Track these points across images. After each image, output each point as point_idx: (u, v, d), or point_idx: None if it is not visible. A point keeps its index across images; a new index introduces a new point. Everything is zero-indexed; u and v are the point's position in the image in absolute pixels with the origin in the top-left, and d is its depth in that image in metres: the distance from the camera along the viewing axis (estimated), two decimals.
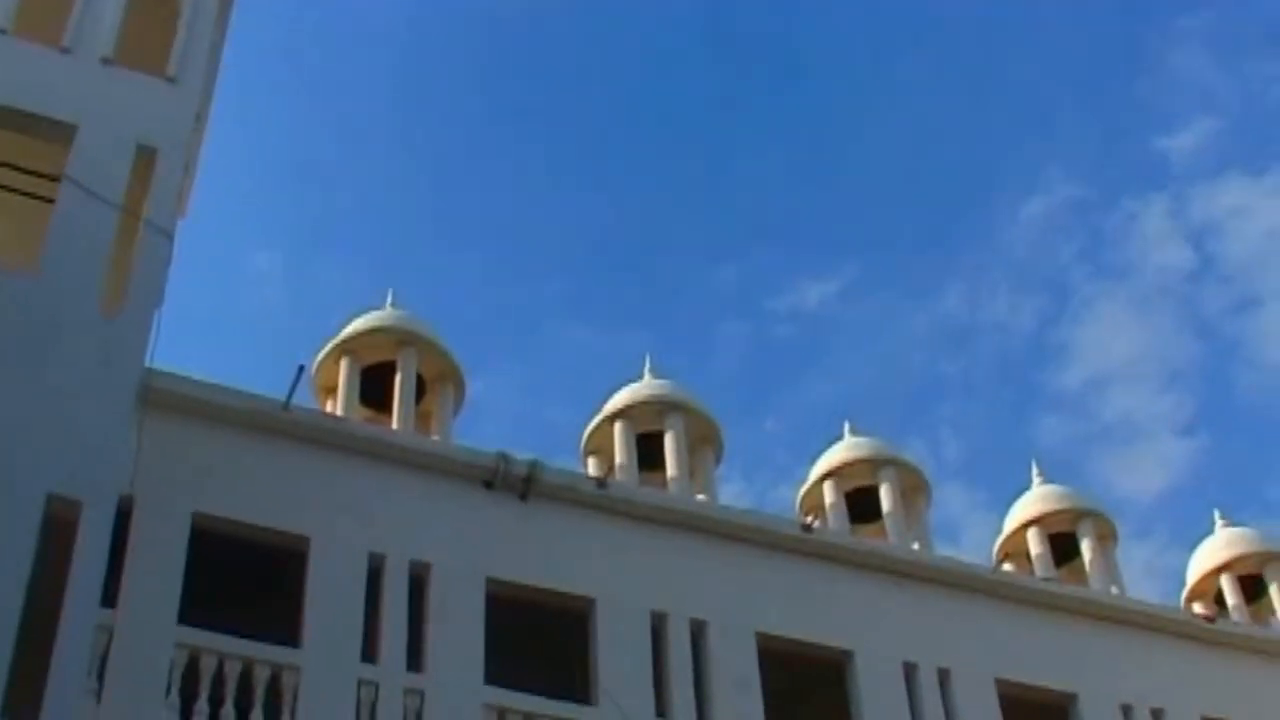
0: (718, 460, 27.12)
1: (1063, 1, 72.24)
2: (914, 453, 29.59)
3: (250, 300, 62.21)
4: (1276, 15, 73.80)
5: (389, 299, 26.40)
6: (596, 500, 23.54)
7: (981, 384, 70.87)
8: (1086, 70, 72.50)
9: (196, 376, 21.61)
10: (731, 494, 36.48)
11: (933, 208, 72.19)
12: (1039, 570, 27.45)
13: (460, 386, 25.77)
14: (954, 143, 71.64)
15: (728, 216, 70.08)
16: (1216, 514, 30.03)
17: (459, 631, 21.23)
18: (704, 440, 26.98)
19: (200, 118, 23.63)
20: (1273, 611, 28.35)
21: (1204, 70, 75.03)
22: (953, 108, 72.04)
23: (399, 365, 25.19)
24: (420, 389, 25.44)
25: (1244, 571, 28.88)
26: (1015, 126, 73.31)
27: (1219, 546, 29.31)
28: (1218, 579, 28.80)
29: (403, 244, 62.45)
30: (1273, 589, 28.55)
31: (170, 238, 19.99)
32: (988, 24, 72.85)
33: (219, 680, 19.48)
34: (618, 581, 22.80)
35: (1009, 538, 28.51)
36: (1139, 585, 29.75)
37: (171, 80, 22.01)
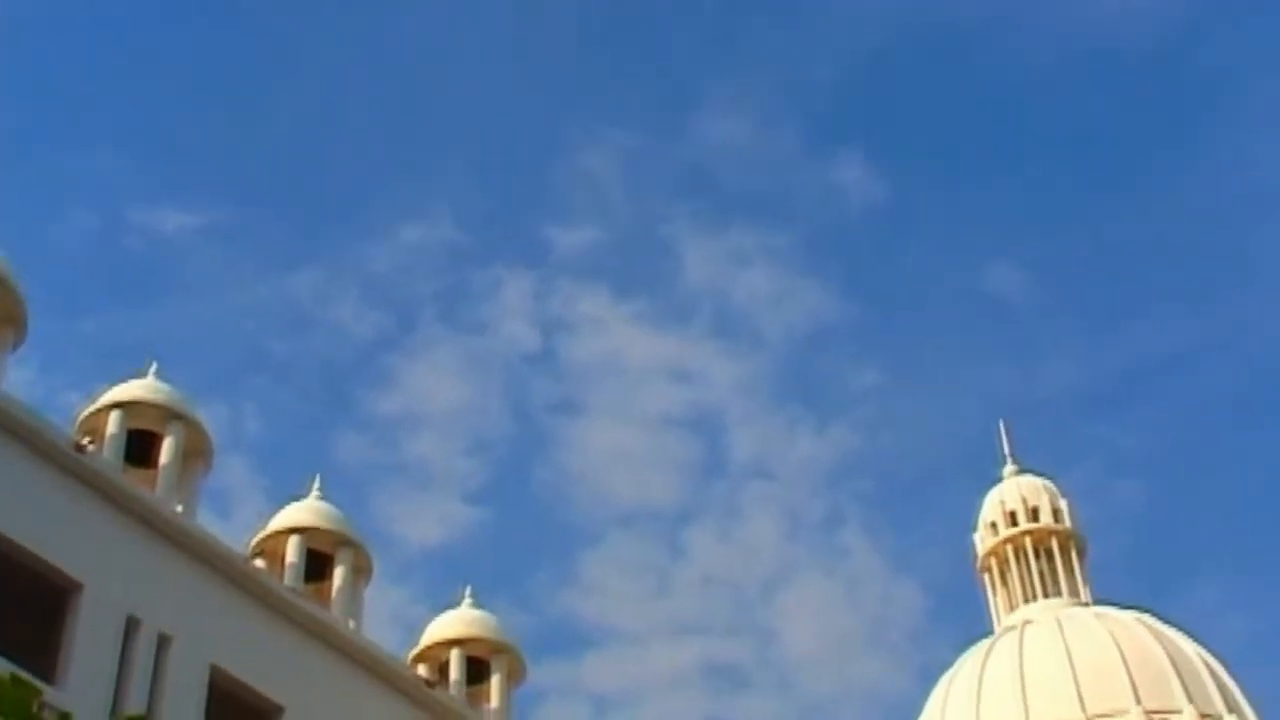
0: (16, 345, 25.11)
1: (520, 60, 72.92)
2: (211, 415, 28.24)
3: None
4: (691, 161, 76.82)
5: None
6: None
7: (302, 375, 70.12)
8: (504, 131, 73.37)
9: None
10: (22, 383, 33.92)
11: (315, 188, 71.19)
12: (289, 579, 26.43)
13: None
14: (367, 135, 70.64)
15: (120, 111, 66.86)
16: (467, 590, 29.82)
17: None
18: (5, 319, 24.92)
19: None
20: (488, 698, 28.22)
21: (610, 182, 77.56)
22: (378, 100, 71.23)
23: None
24: None
25: (474, 653, 28.71)
26: (432, 149, 73.11)
27: (459, 621, 29.12)
28: (449, 650, 28.49)
29: None
30: (495, 679, 28.47)
31: None
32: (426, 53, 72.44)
33: None
34: None
35: (271, 536, 27.41)
36: (380, 627, 29.03)
37: None
